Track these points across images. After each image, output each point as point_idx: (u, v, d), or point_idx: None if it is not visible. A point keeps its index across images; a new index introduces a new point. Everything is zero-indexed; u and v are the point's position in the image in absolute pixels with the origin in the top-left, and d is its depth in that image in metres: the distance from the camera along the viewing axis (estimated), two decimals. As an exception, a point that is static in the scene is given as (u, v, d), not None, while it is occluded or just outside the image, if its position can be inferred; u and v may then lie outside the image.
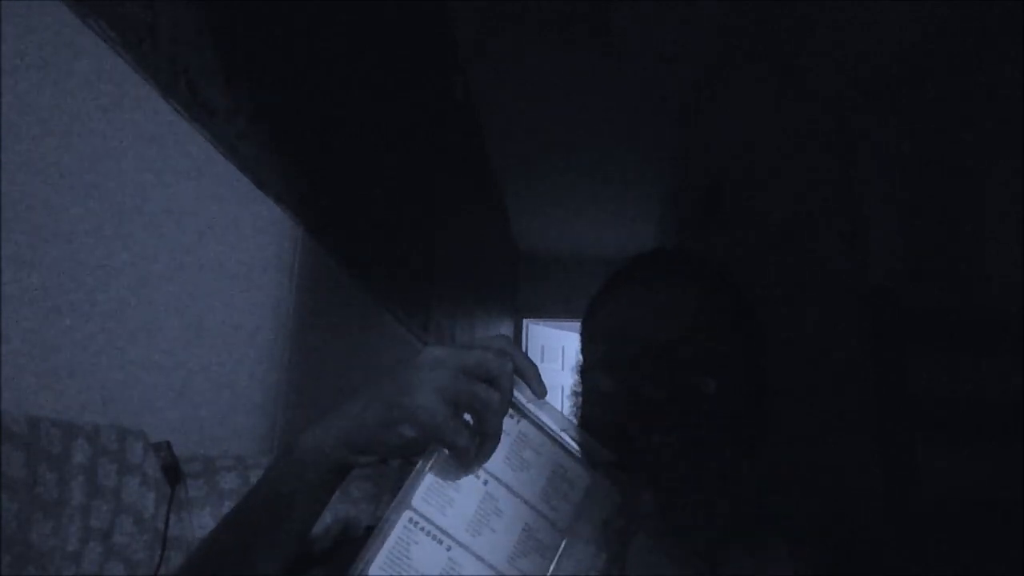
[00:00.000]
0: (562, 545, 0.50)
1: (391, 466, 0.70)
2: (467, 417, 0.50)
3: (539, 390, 0.52)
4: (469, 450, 0.48)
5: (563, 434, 0.53)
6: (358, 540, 0.66)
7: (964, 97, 2.19)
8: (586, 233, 4.02)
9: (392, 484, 0.64)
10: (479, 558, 0.48)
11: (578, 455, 0.53)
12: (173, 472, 1.09)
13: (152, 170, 1.14)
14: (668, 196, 3.58)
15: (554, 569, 0.50)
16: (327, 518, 1.37)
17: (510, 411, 0.50)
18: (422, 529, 0.46)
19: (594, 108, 2.72)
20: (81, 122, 0.99)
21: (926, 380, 1.46)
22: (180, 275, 1.23)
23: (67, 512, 0.86)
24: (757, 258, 3.09)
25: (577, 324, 0.80)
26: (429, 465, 0.48)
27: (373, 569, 0.45)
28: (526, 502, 0.50)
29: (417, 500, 0.47)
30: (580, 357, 0.76)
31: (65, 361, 0.97)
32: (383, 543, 0.46)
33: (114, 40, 1.02)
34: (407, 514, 0.47)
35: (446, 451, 0.48)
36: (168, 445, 1.11)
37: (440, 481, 0.48)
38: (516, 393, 0.51)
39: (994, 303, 1.98)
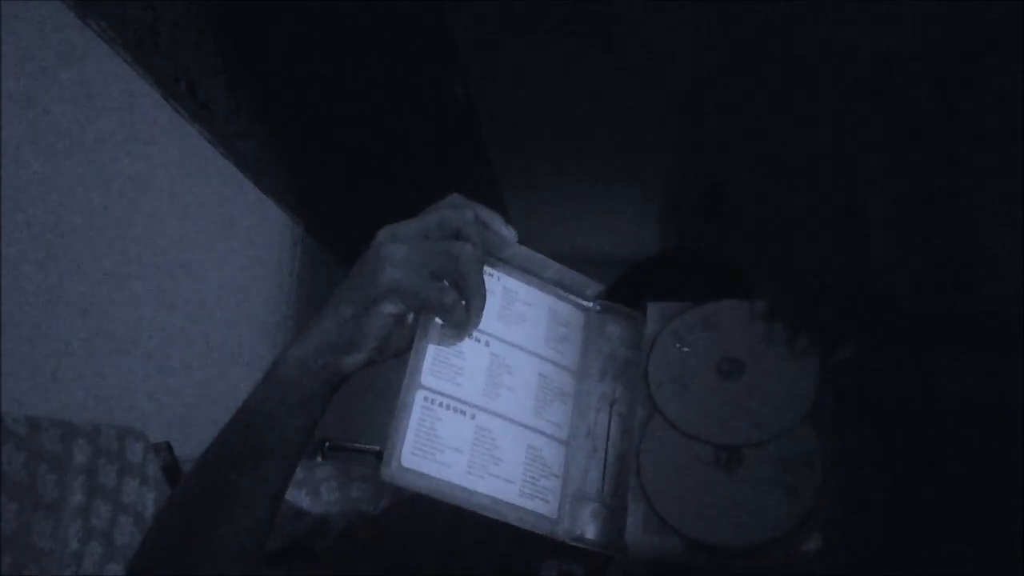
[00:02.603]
0: (577, 385, 0.49)
1: None
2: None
3: (508, 234, 0.48)
4: (457, 307, 0.45)
5: (547, 277, 0.51)
6: (359, 540, 0.66)
7: (965, 97, 2.19)
8: (586, 233, 4.02)
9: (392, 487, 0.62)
10: (505, 418, 0.46)
11: (567, 294, 0.51)
12: (173, 472, 1.09)
13: (152, 170, 1.14)
14: (668, 196, 3.58)
15: (574, 407, 0.49)
16: (328, 518, 1.37)
17: (488, 269, 0.47)
18: (440, 405, 0.44)
19: (594, 108, 2.72)
20: (81, 122, 0.98)
21: (924, 382, 1.46)
22: (180, 275, 1.23)
23: (67, 512, 0.86)
24: (757, 259, 3.08)
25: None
26: (426, 338, 0.45)
27: (405, 459, 0.41)
28: (532, 353, 0.48)
29: (426, 377, 0.44)
30: None
31: (65, 361, 0.97)
32: (406, 429, 0.42)
33: (114, 40, 1.02)
34: (420, 393, 0.44)
35: (438, 322, 0.45)
36: (168, 445, 1.11)
37: (443, 353, 0.45)
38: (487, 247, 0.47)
39: (994, 304, 1.98)
